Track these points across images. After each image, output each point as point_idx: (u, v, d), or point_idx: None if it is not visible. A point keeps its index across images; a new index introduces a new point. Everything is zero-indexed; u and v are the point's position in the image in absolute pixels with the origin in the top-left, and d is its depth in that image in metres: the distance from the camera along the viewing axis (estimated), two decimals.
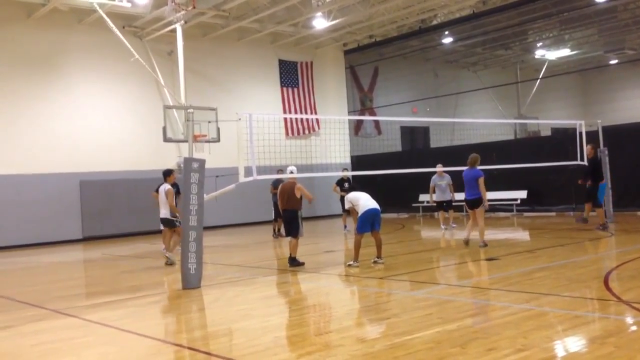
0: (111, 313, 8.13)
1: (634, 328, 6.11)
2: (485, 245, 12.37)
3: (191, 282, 9.47)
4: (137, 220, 21.03)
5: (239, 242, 17.89)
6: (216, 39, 23.80)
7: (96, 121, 21.53)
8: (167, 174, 13.14)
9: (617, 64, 31.55)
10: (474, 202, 12.44)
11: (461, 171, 12.73)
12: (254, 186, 12.59)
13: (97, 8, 19.20)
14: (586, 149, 14.95)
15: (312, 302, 8.59)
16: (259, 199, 21.60)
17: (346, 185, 16.69)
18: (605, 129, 16.91)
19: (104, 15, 19.25)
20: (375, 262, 10.92)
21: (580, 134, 15.67)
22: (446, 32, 25.70)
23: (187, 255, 9.40)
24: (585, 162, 15.02)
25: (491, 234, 14.52)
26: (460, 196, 14.63)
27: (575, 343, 5.73)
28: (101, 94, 21.81)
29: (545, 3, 22.21)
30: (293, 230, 11.38)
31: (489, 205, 13.23)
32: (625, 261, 9.88)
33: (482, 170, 12.49)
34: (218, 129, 17.38)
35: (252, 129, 10.34)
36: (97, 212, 21.05)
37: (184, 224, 9.49)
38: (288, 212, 11.42)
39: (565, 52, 30.27)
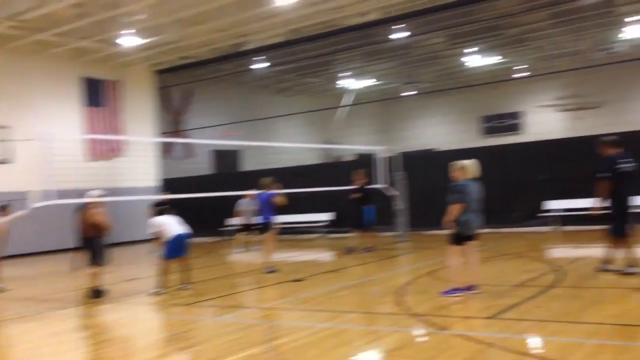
0: None
1: (424, 339, 6.59)
2: (272, 271, 12.11)
3: None
4: None
5: (30, 272, 16.26)
6: (12, 51, 21.85)
7: None
8: None
9: (413, 95, 34.48)
10: (267, 226, 12.31)
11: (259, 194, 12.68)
12: (53, 211, 11.62)
13: None
14: (357, 174, 15.23)
15: (112, 335, 8.10)
16: (58, 225, 20.03)
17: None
18: (404, 155, 18.31)
19: None
20: (182, 288, 10.61)
21: (379, 159, 16.82)
22: (259, 57, 26.18)
23: None
24: (383, 185, 16.00)
25: (297, 256, 14.92)
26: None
27: (371, 357, 6.03)
28: None
29: (350, 36, 23.60)
30: (96, 258, 10.63)
31: (280, 228, 13.16)
32: (416, 277, 10.70)
33: (291, 192, 12.74)
34: (12, 149, 15.87)
35: (52, 150, 9.61)
36: None
37: None
38: (90, 239, 10.66)
39: (368, 82, 32.42)
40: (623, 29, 24.67)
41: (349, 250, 14.96)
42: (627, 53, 26.83)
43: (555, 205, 17.72)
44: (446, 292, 8.43)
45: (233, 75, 28.58)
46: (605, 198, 9.18)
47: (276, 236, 12.62)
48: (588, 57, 28.12)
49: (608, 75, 28.52)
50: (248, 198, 17.14)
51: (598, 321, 6.61)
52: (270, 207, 12.29)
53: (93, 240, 10.56)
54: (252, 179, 14.35)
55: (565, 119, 31.21)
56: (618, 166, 9.11)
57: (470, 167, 8.40)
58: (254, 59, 26.20)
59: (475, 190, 8.38)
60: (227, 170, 29.01)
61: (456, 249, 8.46)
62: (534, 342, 6.14)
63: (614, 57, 26.88)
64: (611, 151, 9.32)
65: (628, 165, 9.16)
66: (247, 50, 25.24)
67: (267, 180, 12.49)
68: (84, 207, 10.63)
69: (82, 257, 10.66)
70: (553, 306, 7.53)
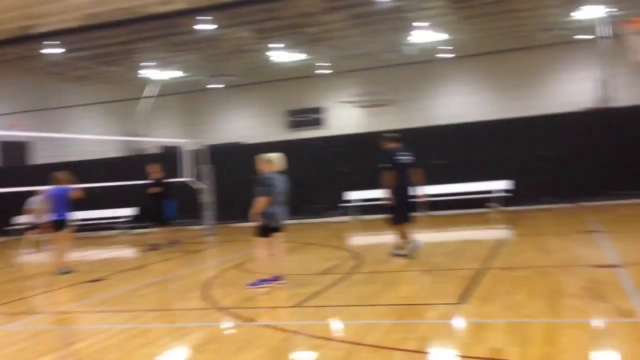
0: None
1: (231, 332, 6.56)
2: (67, 272, 11.38)
3: None
4: None
5: None
6: None
7: None
8: None
9: (220, 88, 34.30)
10: (61, 223, 11.53)
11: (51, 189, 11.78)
12: None
13: None
14: (152, 168, 14.65)
15: None
16: None
17: None
18: (211, 148, 18.10)
19: None
20: None
21: (186, 152, 16.49)
22: (52, 42, 24.14)
23: None
24: (190, 179, 15.69)
25: (97, 254, 14.12)
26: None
27: (177, 354, 5.86)
28: None
29: (155, 24, 22.75)
30: None
31: (77, 226, 12.48)
32: (224, 270, 10.66)
33: (90, 187, 12.02)
34: None
35: None
36: None
37: None
38: None
39: (174, 73, 31.56)
40: (411, 33, 26.85)
41: (154, 247, 14.42)
42: (415, 55, 29.27)
43: (354, 196, 18.77)
44: (253, 284, 8.49)
45: (22, 60, 26.08)
46: (388, 187, 9.90)
47: (72, 234, 11.85)
48: (382, 58, 30.17)
49: (400, 75, 30.88)
50: (39, 194, 15.80)
51: (392, 302, 7.09)
52: (64, 203, 11.48)
53: None
54: (44, 174, 13.20)
55: (362, 115, 33.21)
56: (397, 158, 9.90)
57: (276, 160, 8.53)
58: (46, 43, 24.15)
59: (281, 183, 8.52)
60: (15, 163, 26.41)
61: (262, 240, 8.56)
62: (336, 327, 6.41)
63: (404, 59, 29.17)
64: (391, 145, 10.12)
65: (406, 157, 10.01)
66: (38, 34, 23.15)
67: (60, 174, 11.64)
68: None
69: None
70: (352, 291, 7.94)
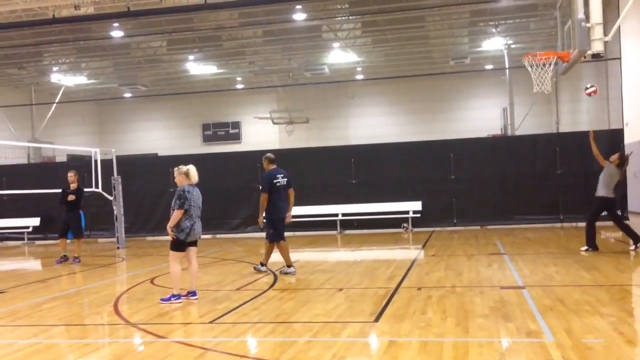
0: None
1: (141, 348, 6.37)
2: None
3: None
4: None
5: None
6: None
7: None
8: None
9: (130, 97, 33.41)
10: None
11: None
12: None
13: None
14: (71, 176, 13.86)
15: None
16: None
17: None
18: (120, 158, 17.54)
19: None
20: None
21: (96, 161, 15.93)
22: None
23: None
24: (100, 190, 15.14)
25: None
26: None
27: None
28: None
29: (62, 28, 21.94)
30: None
31: None
32: (135, 284, 10.33)
33: None
34: None
35: None
36: None
37: None
38: None
39: (82, 79, 30.43)
40: (327, 54, 27.36)
41: (63, 259, 13.65)
42: (330, 75, 29.81)
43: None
44: (165, 300, 8.30)
45: None
46: (264, 207, 10.47)
47: None
48: (298, 76, 30.51)
49: (316, 93, 31.33)
50: None
51: (307, 320, 7.12)
52: None
53: None
54: None
55: (278, 132, 33.35)
56: (275, 180, 10.46)
57: (192, 172, 8.41)
58: None
59: (197, 196, 8.41)
60: None
61: (177, 254, 8.40)
62: (251, 344, 6.38)
63: (320, 78, 29.64)
64: (270, 167, 10.70)
65: (283, 179, 10.54)
66: None
67: None
68: None
69: None
70: (268, 308, 7.91)
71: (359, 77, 31.81)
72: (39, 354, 6.08)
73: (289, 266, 10.57)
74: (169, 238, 8.43)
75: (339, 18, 23.15)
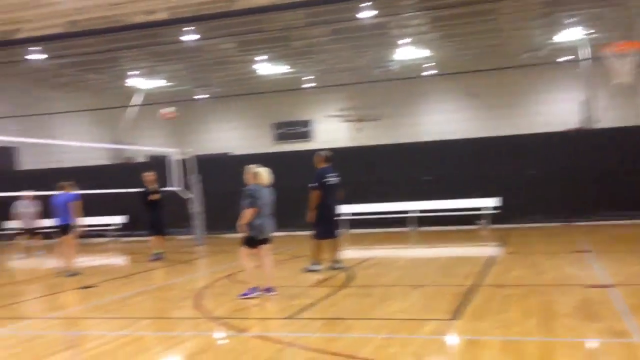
0: None
1: (224, 342, 6.56)
2: (74, 274, 11.82)
3: None
4: None
5: None
6: None
7: None
8: None
9: (206, 98, 34.24)
10: (64, 228, 11.99)
11: (53, 195, 12.06)
12: None
13: None
14: (149, 176, 14.16)
15: None
16: None
17: None
18: (199, 158, 18.04)
19: None
20: None
21: (174, 161, 16.46)
22: (35, 48, 23.92)
23: None
24: (178, 188, 15.61)
25: (88, 261, 13.99)
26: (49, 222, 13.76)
27: None
28: None
29: (136, 34, 22.70)
30: None
31: (83, 231, 12.74)
32: (214, 280, 10.63)
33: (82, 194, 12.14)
34: None
35: None
36: None
37: None
38: None
39: (160, 82, 31.44)
40: (396, 50, 27.15)
41: (157, 257, 13.90)
42: (400, 71, 29.57)
43: (344, 209, 18.80)
44: (244, 295, 8.50)
45: (6, 66, 25.80)
46: (315, 206, 10.50)
47: (76, 239, 12.18)
48: (367, 73, 30.41)
49: (385, 90, 31.15)
50: (26, 199, 15.70)
51: (384, 317, 7.12)
52: (68, 209, 11.87)
53: None
54: (31, 179, 13.16)
55: (349, 129, 33.38)
56: (326, 179, 10.53)
57: (263, 174, 8.61)
58: (30, 49, 23.95)
59: (267, 195, 8.60)
60: (3, 168, 26.14)
61: (248, 251, 8.61)
62: (329, 340, 6.44)
63: (389, 75, 29.45)
64: (323, 164, 10.76)
65: (334, 178, 10.61)
66: (19, 39, 22.92)
67: (66, 182, 12.11)
68: None
69: None
70: (345, 304, 7.97)
71: (429, 72, 31.41)
72: (128, 345, 6.37)
73: (335, 262, 10.67)
74: (241, 235, 8.62)
75: (408, 14, 22.92)
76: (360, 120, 32.62)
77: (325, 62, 29.39)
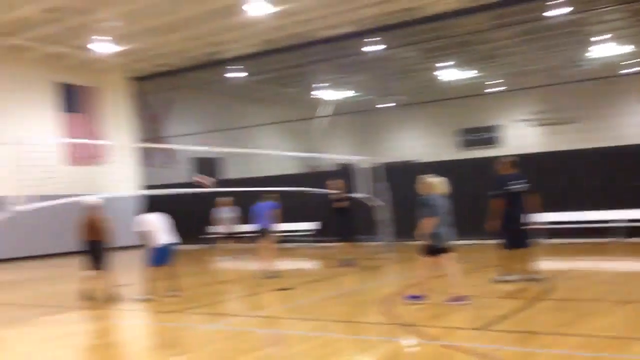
0: None
1: (411, 349, 6.57)
2: (276, 276, 12.59)
3: None
4: None
5: (16, 278, 15.94)
6: None
7: None
8: None
9: (390, 107, 34.68)
10: (264, 233, 12.89)
11: (253, 202, 13.05)
12: (41, 215, 11.46)
13: None
14: (338, 183, 14.58)
15: (103, 341, 7.95)
16: (47, 230, 19.93)
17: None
18: (386, 165, 18.29)
19: None
20: (171, 295, 10.40)
21: (361, 169, 16.89)
22: (236, 67, 26.08)
23: None
24: (365, 195, 15.94)
25: (284, 264, 14.81)
26: (248, 227, 14.84)
27: None
28: None
29: (326, 47, 23.67)
30: (96, 262, 10.57)
31: (280, 235, 13.63)
32: (403, 287, 10.69)
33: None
34: None
35: (28, 154, 9.58)
36: None
37: None
38: (93, 243, 10.56)
39: (347, 93, 32.54)
40: (590, 48, 25.25)
41: (347, 263, 14.23)
42: (596, 70, 27.43)
43: (542, 217, 17.86)
44: (409, 297, 8.71)
45: (212, 84, 28.42)
46: (497, 214, 9.92)
47: (274, 243, 13.07)
48: (560, 74, 28.66)
49: (580, 91, 29.08)
50: (226, 205, 17.07)
51: (586, 333, 6.64)
52: (268, 215, 12.80)
53: (93, 245, 10.54)
54: (232, 187, 14.30)
55: (541, 134, 31.71)
56: (507, 186, 9.94)
57: (439, 184, 8.67)
58: (230, 68, 26.10)
59: (443, 204, 8.61)
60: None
61: (427, 260, 8.68)
62: (525, 354, 6.15)
63: (584, 74, 27.45)
64: (506, 170, 10.18)
65: (519, 185, 10.01)
66: (223, 59, 25.13)
67: (272, 194, 13.26)
68: (85, 212, 10.65)
69: (83, 261, 10.63)
70: (541, 318, 7.58)
71: (630, 70, 28.75)
72: (322, 347, 6.63)
73: (529, 273, 10.09)
74: (420, 244, 8.76)
75: (605, 9, 21.23)
76: (552, 123, 30.83)
77: (513, 64, 28.27)
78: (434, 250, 8.59)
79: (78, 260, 10.87)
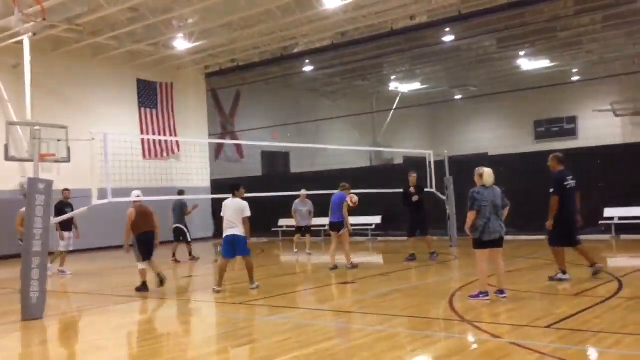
0: None
1: (475, 346, 6.51)
2: (355, 266, 12.93)
3: (32, 312, 8.73)
4: None
5: (92, 268, 16.83)
6: (68, 54, 22.55)
7: None
8: None
9: (461, 99, 34.03)
10: (337, 226, 13.07)
11: (322, 195, 13.22)
12: (111, 209, 11.96)
13: None
14: (412, 177, 14.56)
15: (169, 330, 8.29)
16: (117, 222, 20.74)
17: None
18: (451, 159, 18.04)
19: None
20: (253, 287, 10.61)
21: (430, 163, 16.72)
22: (307, 61, 26.31)
23: (28, 283, 8.68)
24: (434, 190, 15.81)
25: (355, 258, 14.92)
26: (324, 221, 15.00)
27: None
28: None
29: (398, 39, 23.48)
30: (150, 253, 11.03)
31: (351, 229, 13.72)
32: (468, 283, 10.55)
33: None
34: (68, 149, 16.43)
35: (108, 149, 10.02)
36: None
37: (26, 249, 8.76)
38: (147, 234, 11.00)
39: (416, 85, 32.14)
40: None
41: (411, 258, 14.17)
42: None
43: (611, 213, 17.20)
44: (473, 296, 8.59)
45: (281, 78, 28.78)
46: (554, 211, 9.79)
47: (348, 235, 13.35)
48: None
49: None
50: (300, 199, 17.28)
51: None
52: (341, 209, 13.02)
53: (149, 235, 10.98)
54: (301, 181, 14.46)
55: (622, 125, 30.29)
56: (565, 182, 9.84)
57: (486, 175, 8.62)
58: (302, 62, 26.34)
59: (490, 196, 8.54)
60: (278, 171, 29.26)
61: (480, 252, 8.66)
62: (593, 354, 5.98)
63: None
64: (559, 167, 10.04)
65: (572, 181, 9.95)
66: (295, 54, 25.39)
67: (344, 183, 13.46)
68: (137, 205, 11.07)
69: (138, 252, 11.04)
70: (611, 317, 7.32)
71: None
72: (384, 340, 6.68)
73: (592, 265, 10.10)
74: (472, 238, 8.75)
75: None
76: (635, 113, 29.37)
77: (595, 52, 27.10)
78: (482, 243, 8.56)
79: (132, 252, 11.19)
